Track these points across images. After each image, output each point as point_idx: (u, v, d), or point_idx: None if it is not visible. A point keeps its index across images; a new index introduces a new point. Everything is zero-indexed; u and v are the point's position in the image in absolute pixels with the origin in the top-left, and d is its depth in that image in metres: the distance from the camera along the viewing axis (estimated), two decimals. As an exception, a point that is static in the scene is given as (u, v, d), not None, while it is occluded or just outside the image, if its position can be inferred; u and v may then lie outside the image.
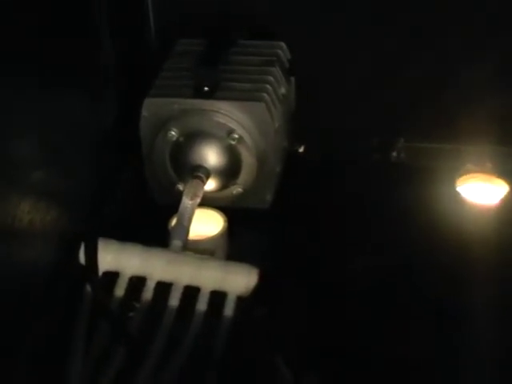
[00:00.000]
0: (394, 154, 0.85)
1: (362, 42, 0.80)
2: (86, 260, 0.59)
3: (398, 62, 0.81)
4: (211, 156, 0.71)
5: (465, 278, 0.68)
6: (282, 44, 0.79)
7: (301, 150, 0.85)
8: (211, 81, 0.72)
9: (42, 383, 0.58)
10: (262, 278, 0.63)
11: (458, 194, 0.78)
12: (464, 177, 0.79)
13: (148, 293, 0.62)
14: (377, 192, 0.80)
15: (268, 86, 0.73)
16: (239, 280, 0.62)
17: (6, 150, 0.56)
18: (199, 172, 0.70)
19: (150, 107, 0.72)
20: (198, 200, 0.69)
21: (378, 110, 0.83)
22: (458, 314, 0.65)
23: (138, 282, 0.63)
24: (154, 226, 0.70)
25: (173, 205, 0.69)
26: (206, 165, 0.71)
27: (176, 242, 0.65)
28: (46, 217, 0.60)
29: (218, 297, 0.62)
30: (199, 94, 0.71)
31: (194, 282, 0.63)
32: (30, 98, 0.59)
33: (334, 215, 0.77)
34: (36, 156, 0.60)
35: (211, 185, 0.72)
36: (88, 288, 0.61)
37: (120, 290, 0.62)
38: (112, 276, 0.63)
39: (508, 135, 0.82)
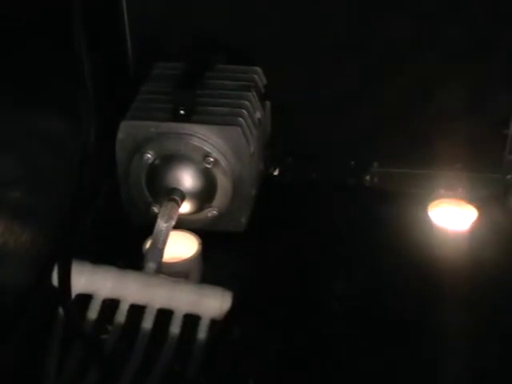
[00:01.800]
0: (368, 178, 0.86)
1: (336, 66, 0.82)
2: (59, 282, 0.59)
3: (372, 88, 0.82)
4: (186, 179, 0.72)
5: (435, 302, 0.69)
6: (258, 69, 0.80)
7: (275, 173, 0.86)
8: (188, 104, 0.72)
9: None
10: (236, 301, 0.63)
11: (429, 218, 0.79)
12: (435, 202, 0.81)
13: (121, 315, 0.62)
14: (350, 215, 0.81)
15: (244, 111, 0.74)
16: (213, 303, 0.63)
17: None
18: (174, 195, 0.71)
19: (126, 130, 0.72)
20: (173, 222, 0.69)
21: (352, 134, 0.85)
22: (428, 336, 0.66)
23: (111, 305, 0.63)
24: (129, 248, 0.70)
25: (148, 226, 0.69)
26: (181, 187, 0.72)
27: (150, 265, 0.65)
28: (20, 238, 0.60)
29: (191, 320, 0.63)
30: (176, 118, 0.72)
31: (168, 305, 0.63)
32: (6, 116, 0.59)
33: (307, 238, 0.77)
34: (11, 176, 0.60)
35: (186, 207, 0.73)
36: (61, 310, 0.61)
37: (93, 313, 0.62)
38: (85, 298, 0.63)
39: (478, 161, 0.83)
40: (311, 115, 0.84)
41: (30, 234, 0.61)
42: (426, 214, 0.79)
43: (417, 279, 0.72)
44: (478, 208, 0.80)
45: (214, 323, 0.63)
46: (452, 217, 0.80)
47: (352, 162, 0.86)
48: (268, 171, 0.85)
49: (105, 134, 0.74)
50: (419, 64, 0.81)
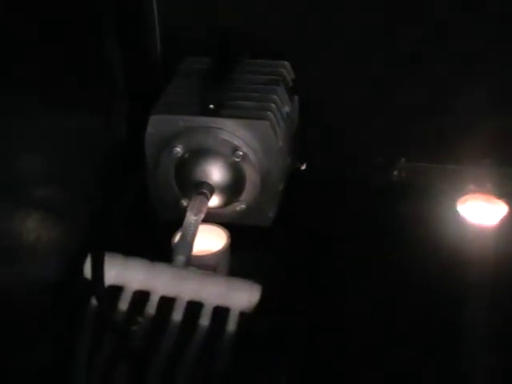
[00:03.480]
0: (396, 173, 0.86)
1: (364, 61, 0.81)
2: (93, 273, 0.59)
3: (400, 84, 0.82)
4: (216, 173, 0.72)
5: (463, 298, 0.69)
6: (286, 63, 0.80)
7: (303, 167, 0.86)
8: (217, 99, 0.73)
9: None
10: (264, 294, 0.64)
11: (458, 213, 0.79)
12: (464, 197, 0.80)
13: (151, 307, 0.63)
14: (378, 210, 0.81)
15: (272, 105, 0.74)
16: (242, 296, 0.63)
17: (13, 166, 0.56)
18: (203, 188, 0.71)
19: (156, 124, 0.72)
20: (202, 216, 0.69)
21: (380, 129, 0.84)
22: (455, 333, 0.66)
23: (141, 297, 0.63)
24: (158, 242, 0.70)
25: (176, 221, 0.70)
26: (210, 181, 0.72)
27: (180, 258, 0.65)
28: (52, 232, 0.61)
29: (220, 312, 0.63)
30: (205, 112, 0.72)
31: (197, 298, 0.63)
32: (39, 114, 0.60)
33: (335, 233, 0.77)
34: (43, 172, 0.61)
35: (215, 201, 0.73)
36: (93, 301, 0.61)
37: (124, 304, 0.63)
38: (116, 290, 0.64)
39: (508, 156, 0.83)
40: (338, 110, 0.84)
41: (62, 229, 0.62)
42: (455, 209, 0.79)
43: (445, 274, 0.71)
44: (508, 203, 0.79)
45: (243, 316, 0.63)
46: (481, 212, 0.80)
47: (379, 157, 0.86)
48: (295, 166, 0.85)
49: (133, 129, 0.75)
50: (447, 59, 0.80)
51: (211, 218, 0.72)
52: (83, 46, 0.67)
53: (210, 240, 0.72)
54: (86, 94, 0.69)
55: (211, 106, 0.72)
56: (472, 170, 0.83)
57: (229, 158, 0.72)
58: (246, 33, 0.80)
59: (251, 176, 0.73)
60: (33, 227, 0.57)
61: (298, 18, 0.80)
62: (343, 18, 0.80)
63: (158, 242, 0.70)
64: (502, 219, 0.78)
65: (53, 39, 0.61)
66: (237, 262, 0.72)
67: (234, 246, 0.71)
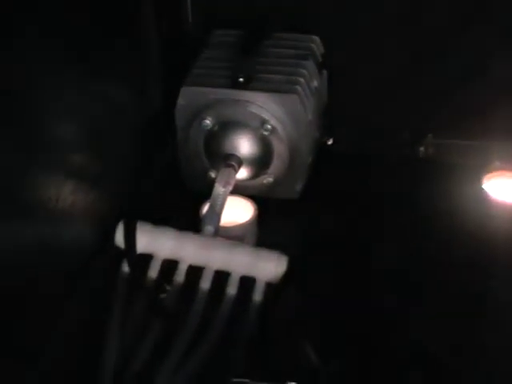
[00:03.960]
0: (422, 149, 0.86)
1: (392, 40, 0.81)
2: (125, 238, 0.61)
3: (427, 59, 0.82)
4: (244, 145, 0.73)
5: (489, 275, 0.69)
6: (316, 38, 0.80)
7: (330, 142, 0.86)
8: (246, 72, 0.73)
9: (84, 349, 0.60)
10: (291, 265, 0.65)
11: (484, 191, 0.79)
12: (491, 174, 0.80)
13: (180, 276, 0.64)
14: (403, 186, 0.81)
15: (301, 79, 0.74)
16: (268, 266, 0.64)
17: (51, 133, 0.58)
18: (232, 160, 0.72)
19: (186, 95, 0.73)
20: (230, 188, 0.70)
21: (406, 105, 0.84)
22: (482, 310, 0.66)
23: (170, 265, 0.65)
24: (187, 212, 0.72)
25: (205, 192, 0.71)
26: (238, 154, 0.73)
27: (208, 228, 0.67)
28: (87, 198, 0.62)
29: (247, 282, 0.64)
30: (234, 85, 0.73)
31: (225, 267, 0.64)
32: (75, 83, 0.61)
33: (361, 207, 0.78)
34: (79, 139, 0.62)
35: (243, 173, 0.74)
36: (124, 267, 0.63)
37: (153, 272, 0.64)
38: (146, 258, 0.65)
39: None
40: (366, 86, 0.84)
41: (96, 194, 0.64)
42: (482, 186, 0.79)
43: (471, 251, 0.72)
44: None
45: (269, 286, 0.64)
46: (508, 189, 0.80)
47: (406, 133, 0.86)
48: (322, 140, 0.86)
49: (166, 100, 0.76)
50: (473, 35, 0.80)
51: (239, 190, 0.73)
52: (120, 16, 0.68)
53: (237, 212, 0.73)
54: (122, 65, 0.70)
55: (240, 79, 0.73)
56: (499, 147, 0.83)
57: (257, 131, 0.73)
58: (276, 7, 0.80)
59: (279, 150, 0.74)
60: (69, 192, 0.59)
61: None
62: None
63: (188, 212, 0.72)
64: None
65: (88, 8, 0.62)
66: (264, 233, 0.73)
67: (261, 218, 0.73)
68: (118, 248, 0.65)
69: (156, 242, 0.65)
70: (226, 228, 0.70)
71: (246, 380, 0.56)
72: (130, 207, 0.64)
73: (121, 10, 0.68)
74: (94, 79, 0.64)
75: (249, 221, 0.72)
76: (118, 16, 0.68)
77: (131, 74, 0.72)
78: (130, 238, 0.60)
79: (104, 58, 0.65)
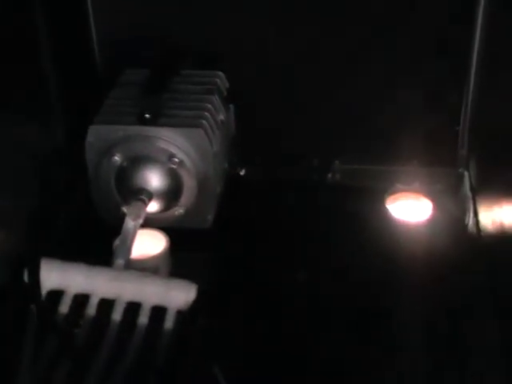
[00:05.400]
0: (330, 175, 0.90)
1: (296, 67, 0.85)
2: (29, 279, 0.61)
3: (333, 88, 0.86)
4: (153, 179, 0.75)
5: (394, 291, 0.73)
6: (221, 73, 0.83)
7: (242, 173, 0.89)
8: (153, 108, 0.76)
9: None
10: (201, 293, 0.67)
11: (387, 211, 0.83)
12: (393, 196, 0.85)
13: (92, 309, 0.65)
14: (313, 210, 0.85)
15: (206, 114, 0.77)
16: (179, 295, 0.66)
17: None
18: (142, 194, 0.74)
19: (95, 133, 0.75)
20: (141, 221, 0.72)
21: (314, 134, 0.88)
22: (387, 324, 0.70)
23: (82, 300, 0.66)
24: (102, 247, 0.73)
25: (120, 226, 0.72)
26: (148, 188, 0.75)
27: (119, 261, 0.68)
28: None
29: (158, 311, 0.66)
30: (142, 121, 0.75)
31: (136, 298, 0.66)
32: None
33: (272, 233, 0.81)
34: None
35: (154, 206, 0.76)
36: (33, 307, 0.64)
37: (65, 308, 0.65)
38: (57, 294, 0.66)
39: (433, 156, 0.87)
40: (274, 116, 0.87)
41: (1, 235, 0.64)
42: (385, 207, 0.84)
43: (376, 268, 0.75)
44: (433, 200, 0.84)
45: (180, 314, 0.66)
46: (409, 210, 0.84)
47: (315, 161, 0.90)
48: (235, 171, 0.89)
49: (77, 138, 0.78)
50: (378, 65, 0.84)
51: (152, 223, 0.75)
52: (19, 62, 0.70)
53: (150, 244, 0.75)
54: (23, 106, 0.72)
55: (147, 115, 0.75)
56: (400, 170, 0.87)
57: (165, 165, 0.75)
58: (183, 45, 0.83)
59: (188, 181, 0.76)
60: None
61: (232, 31, 0.84)
62: (277, 26, 0.83)
63: (103, 247, 0.73)
64: (429, 216, 0.83)
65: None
66: (177, 264, 0.75)
67: (175, 249, 0.75)
68: (27, 286, 0.66)
69: (66, 277, 0.66)
70: (138, 260, 0.72)
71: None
72: (40, 245, 0.65)
73: (21, 50, 0.69)
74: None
75: (161, 252, 0.74)
76: (18, 56, 0.69)
77: (33, 117, 0.73)
78: (34, 276, 0.61)
79: (4, 96, 0.66)
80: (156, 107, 0.76)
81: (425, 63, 0.84)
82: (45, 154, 0.76)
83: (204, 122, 0.76)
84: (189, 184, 0.76)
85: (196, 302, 0.66)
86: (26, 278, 0.65)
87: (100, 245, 0.74)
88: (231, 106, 0.85)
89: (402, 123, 0.86)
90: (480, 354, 0.66)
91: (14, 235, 0.68)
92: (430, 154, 0.87)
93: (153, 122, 0.75)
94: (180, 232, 0.76)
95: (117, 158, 0.75)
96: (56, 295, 0.65)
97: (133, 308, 0.66)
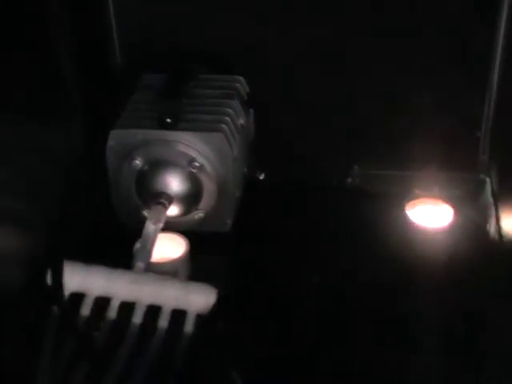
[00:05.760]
0: (349, 180, 0.90)
1: (313, 73, 0.85)
2: (52, 281, 0.62)
3: (354, 92, 0.86)
4: (173, 183, 0.76)
5: (413, 298, 0.73)
6: (241, 78, 0.84)
7: (261, 177, 0.90)
8: (173, 113, 0.76)
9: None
10: (221, 297, 0.67)
11: (406, 217, 0.83)
12: (412, 201, 0.84)
13: (112, 312, 0.66)
14: (333, 215, 0.85)
15: (227, 118, 0.78)
16: (199, 299, 0.66)
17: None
18: (162, 198, 0.75)
19: (116, 137, 0.76)
20: (161, 225, 0.73)
21: (334, 140, 0.88)
22: (404, 335, 0.69)
23: (103, 302, 0.67)
24: (123, 251, 0.73)
25: (140, 230, 0.73)
26: (168, 191, 0.75)
27: (139, 264, 0.69)
28: (12, 241, 0.63)
29: (178, 315, 0.66)
30: (162, 126, 0.76)
31: (156, 301, 0.66)
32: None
33: (291, 237, 0.81)
34: (3, 183, 0.64)
35: (174, 210, 0.76)
36: (55, 309, 0.64)
37: (86, 310, 0.66)
38: (78, 297, 0.67)
39: (453, 161, 0.87)
40: (294, 123, 0.87)
41: (23, 238, 0.65)
42: (404, 213, 0.83)
43: (395, 274, 0.75)
44: (454, 206, 0.84)
45: (199, 318, 0.66)
46: (428, 215, 0.84)
47: (335, 166, 0.90)
48: (255, 175, 0.89)
49: (96, 142, 0.78)
50: (393, 72, 0.84)
51: (172, 226, 0.75)
52: (40, 64, 0.71)
53: (170, 248, 0.75)
54: (44, 110, 0.72)
55: (168, 119, 0.76)
56: (419, 176, 0.87)
57: (186, 169, 0.75)
58: (204, 51, 0.84)
59: (208, 185, 0.77)
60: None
61: (255, 37, 0.84)
62: (296, 30, 0.83)
63: (122, 251, 0.74)
64: (448, 222, 0.82)
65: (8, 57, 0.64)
66: (196, 267, 0.75)
67: (194, 252, 0.75)
68: (49, 288, 0.66)
69: (88, 280, 0.66)
70: (159, 264, 0.72)
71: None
72: (62, 248, 0.65)
73: (43, 57, 0.70)
74: (16, 120, 0.66)
75: (181, 256, 0.74)
76: (41, 64, 0.70)
77: (54, 120, 0.74)
78: (57, 278, 0.61)
79: (25, 103, 0.67)
80: (176, 111, 0.77)
81: (446, 67, 0.83)
82: (65, 156, 0.76)
83: (224, 126, 0.77)
84: (209, 188, 0.77)
85: (216, 306, 0.66)
86: (48, 280, 0.66)
87: (119, 248, 0.74)
88: (251, 111, 0.85)
89: (423, 128, 0.86)
90: (496, 359, 0.66)
91: (34, 238, 0.68)
92: (450, 159, 0.86)
93: (173, 127, 0.76)
94: (199, 236, 0.76)
95: (137, 162, 0.76)
96: (77, 297, 0.66)
97: (153, 311, 0.66)
